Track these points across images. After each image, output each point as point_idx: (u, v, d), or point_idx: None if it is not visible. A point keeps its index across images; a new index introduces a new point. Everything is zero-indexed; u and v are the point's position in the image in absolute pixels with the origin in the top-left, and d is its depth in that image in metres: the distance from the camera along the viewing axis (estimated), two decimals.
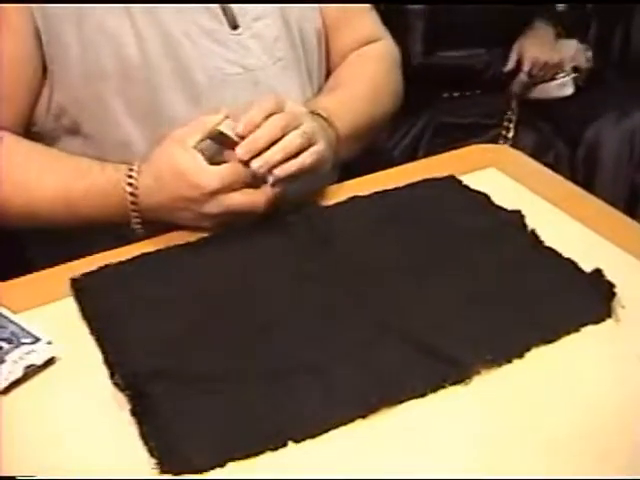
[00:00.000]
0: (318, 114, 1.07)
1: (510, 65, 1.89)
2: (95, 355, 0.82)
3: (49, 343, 0.81)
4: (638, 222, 1.03)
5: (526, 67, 1.88)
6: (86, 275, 0.92)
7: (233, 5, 1.09)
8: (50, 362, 0.81)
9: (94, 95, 1.04)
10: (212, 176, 0.94)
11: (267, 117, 0.96)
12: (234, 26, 1.09)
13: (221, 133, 0.97)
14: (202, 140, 0.97)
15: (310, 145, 0.97)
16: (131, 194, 0.98)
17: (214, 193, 0.94)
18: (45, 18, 1.01)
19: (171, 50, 1.04)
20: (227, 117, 0.97)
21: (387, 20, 1.31)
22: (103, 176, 1.00)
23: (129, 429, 0.73)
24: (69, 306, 0.89)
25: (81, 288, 0.91)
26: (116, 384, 0.78)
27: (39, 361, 0.80)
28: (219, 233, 0.99)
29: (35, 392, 0.78)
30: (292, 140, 0.95)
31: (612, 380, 0.78)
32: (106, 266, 0.94)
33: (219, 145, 0.98)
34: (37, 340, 0.81)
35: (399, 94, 1.26)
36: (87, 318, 0.87)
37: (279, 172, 0.95)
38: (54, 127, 1.08)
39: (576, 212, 1.02)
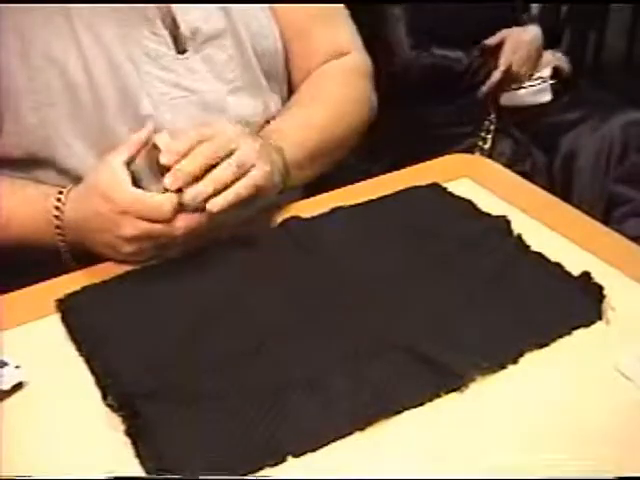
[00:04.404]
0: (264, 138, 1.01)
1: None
2: (70, 378, 0.81)
3: (17, 367, 0.80)
4: (614, 230, 1.03)
5: (502, 66, 1.86)
6: (71, 295, 0.91)
7: (184, 28, 1.05)
8: (19, 387, 0.79)
9: (45, 122, 1.01)
10: (126, 192, 0.91)
11: (198, 143, 0.91)
12: (182, 50, 1.06)
13: (155, 147, 0.93)
14: (132, 158, 0.94)
15: (245, 173, 0.92)
16: (56, 208, 0.96)
17: (127, 211, 0.90)
18: None
19: (115, 76, 1.01)
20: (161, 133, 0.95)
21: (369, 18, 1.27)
22: (36, 190, 1.00)
23: (122, 451, 0.72)
24: (36, 329, 0.87)
25: (67, 308, 0.89)
26: (110, 405, 0.77)
27: (7, 386, 0.78)
28: (203, 249, 0.96)
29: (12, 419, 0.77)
30: (221, 172, 0.91)
31: (604, 383, 0.79)
32: (90, 286, 0.93)
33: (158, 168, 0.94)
34: (4, 365, 0.80)
35: (369, 109, 1.20)
36: (74, 339, 0.86)
37: (210, 206, 0.90)
38: (14, 156, 1.04)
39: (551, 221, 1.01)
